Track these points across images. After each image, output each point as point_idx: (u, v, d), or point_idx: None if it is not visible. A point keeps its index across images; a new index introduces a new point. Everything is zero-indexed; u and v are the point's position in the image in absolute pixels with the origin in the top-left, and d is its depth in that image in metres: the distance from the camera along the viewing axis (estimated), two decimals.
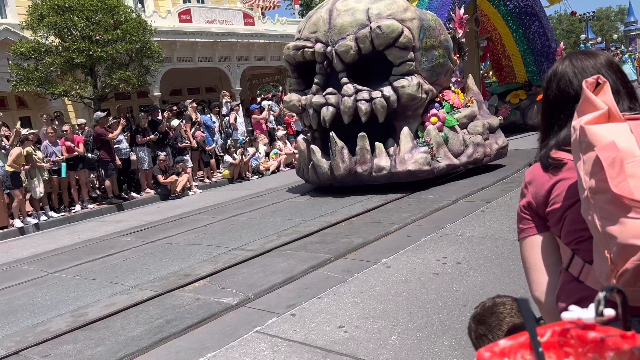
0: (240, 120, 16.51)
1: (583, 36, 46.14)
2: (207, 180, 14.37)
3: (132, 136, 13.03)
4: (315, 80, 9.36)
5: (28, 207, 10.95)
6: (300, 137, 10.71)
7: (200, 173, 14.81)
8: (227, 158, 14.34)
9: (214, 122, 15.35)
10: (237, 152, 14.37)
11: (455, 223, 6.59)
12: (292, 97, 9.88)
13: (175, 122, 13.88)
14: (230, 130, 15.52)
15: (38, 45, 12.25)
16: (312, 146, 9.53)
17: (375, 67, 9.07)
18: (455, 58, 10.56)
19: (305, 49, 9.29)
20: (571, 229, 1.32)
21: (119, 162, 12.31)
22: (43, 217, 10.90)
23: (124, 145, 12.68)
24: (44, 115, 12.73)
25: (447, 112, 9.56)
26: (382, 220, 7.21)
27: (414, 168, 8.79)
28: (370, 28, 8.66)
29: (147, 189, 13.19)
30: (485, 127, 10.01)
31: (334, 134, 9.00)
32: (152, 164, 13.04)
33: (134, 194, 12.80)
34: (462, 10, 11.56)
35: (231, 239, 7.32)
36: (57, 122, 12.64)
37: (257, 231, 7.59)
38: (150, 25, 13.67)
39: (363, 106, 8.79)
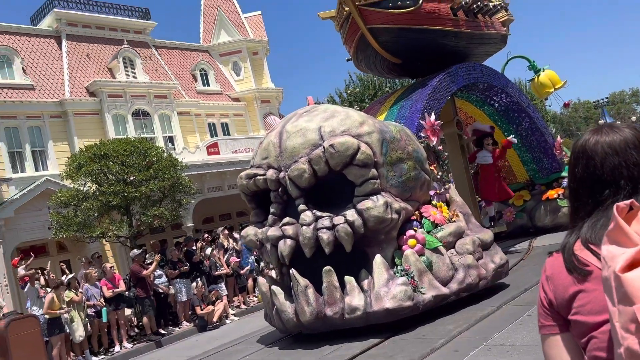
0: None
1: (601, 121, 46.52)
2: (243, 306, 14.21)
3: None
4: (271, 210, 8.25)
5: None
6: (262, 276, 9.50)
7: (236, 299, 14.70)
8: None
9: None
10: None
11: (502, 332, 6.28)
12: (249, 232, 8.63)
13: (208, 251, 14.10)
14: None
15: (77, 192, 12.95)
16: (273, 287, 8.10)
17: (338, 187, 7.98)
18: (432, 168, 9.47)
19: (257, 177, 8.27)
20: (600, 357, 1.23)
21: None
22: None
23: (163, 279, 12.85)
24: (82, 259, 13.10)
25: (428, 231, 8.22)
26: (426, 335, 6.92)
27: (392, 305, 7.25)
28: (324, 147, 7.69)
29: (185, 321, 13.08)
30: (477, 244, 8.50)
31: (294, 272, 7.63)
32: (190, 295, 13.06)
33: (172, 328, 12.69)
34: (432, 117, 10.56)
35: None
36: (95, 264, 12.96)
37: None
38: (181, 161, 14.40)
39: (324, 235, 7.50)
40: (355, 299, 7.45)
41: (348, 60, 13.04)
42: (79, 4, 22.54)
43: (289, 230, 7.81)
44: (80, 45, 21.85)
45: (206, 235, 16.04)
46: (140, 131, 20.24)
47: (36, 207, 16.63)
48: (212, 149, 18.14)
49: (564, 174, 14.48)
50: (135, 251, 12.50)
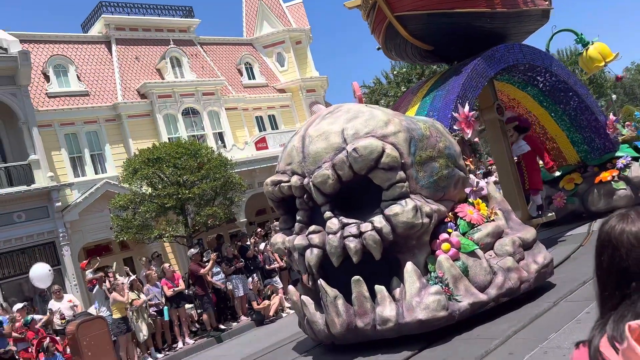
0: None
1: None
2: None
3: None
4: (297, 217, 8.00)
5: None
6: (292, 285, 9.23)
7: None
8: None
9: None
10: None
11: (559, 332, 6.12)
12: (277, 239, 8.46)
13: (262, 246, 14.40)
14: None
15: (134, 196, 13.48)
16: (303, 297, 7.88)
17: (365, 190, 7.63)
18: (468, 163, 8.83)
19: (282, 184, 8.03)
20: None
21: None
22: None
23: (221, 276, 13.26)
24: (143, 259, 13.67)
25: (464, 233, 7.71)
26: (481, 335, 6.85)
27: (425, 316, 6.91)
28: (347, 152, 7.35)
29: (243, 316, 13.47)
30: (517, 244, 7.94)
31: (323, 282, 7.39)
32: (246, 289, 13.43)
33: (231, 323, 13.10)
34: (466, 108, 9.86)
35: None
36: (155, 263, 13.50)
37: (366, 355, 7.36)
38: (231, 160, 14.70)
39: (352, 244, 7.17)
40: (387, 310, 7.13)
41: (378, 49, 12.63)
42: (125, 8, 23.18)
43: (316, 239, 7.55)
44: (129, 48, 22.52)
45: (259, 229, 16.39)
46: (191, 129, 20.76)
47: (98, 209, 17.47)
48: (261, 144, 18.44)
49: (619, 153, 13.73)
50: (193, 250, 12.92)
